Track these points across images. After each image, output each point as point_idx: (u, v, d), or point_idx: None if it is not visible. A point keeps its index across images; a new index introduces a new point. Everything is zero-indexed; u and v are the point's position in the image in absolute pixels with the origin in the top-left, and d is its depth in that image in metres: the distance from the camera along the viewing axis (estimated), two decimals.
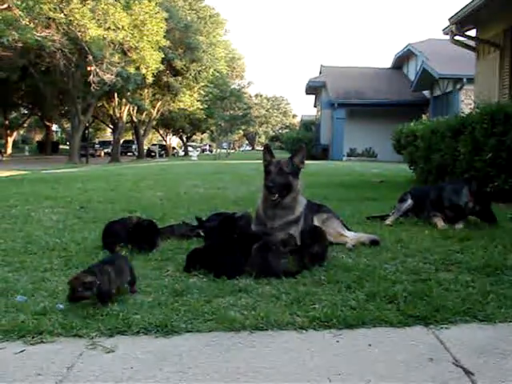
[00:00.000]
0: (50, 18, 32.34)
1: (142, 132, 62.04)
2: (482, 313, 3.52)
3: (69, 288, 3.57)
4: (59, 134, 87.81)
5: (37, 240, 6.02)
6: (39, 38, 31.01)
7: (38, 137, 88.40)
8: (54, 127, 77.65)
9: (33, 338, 3.18)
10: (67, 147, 55.07)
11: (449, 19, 15.08)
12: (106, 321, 3.38)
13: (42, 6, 30.53)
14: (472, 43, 16.55)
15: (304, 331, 3.29)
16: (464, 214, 6.88)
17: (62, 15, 32.75)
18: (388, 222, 7.28)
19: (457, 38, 15.64)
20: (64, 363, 2.87)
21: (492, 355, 2.93)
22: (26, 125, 79.07)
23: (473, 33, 15.97)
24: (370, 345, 3.09)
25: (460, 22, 14.80)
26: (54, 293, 3.98)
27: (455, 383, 2.63)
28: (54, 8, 32.06)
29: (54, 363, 2.87)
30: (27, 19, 29.76)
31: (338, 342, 3.15)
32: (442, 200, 7.09)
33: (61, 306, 3.65)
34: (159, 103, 56.48)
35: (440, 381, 2.66)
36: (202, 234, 5.88)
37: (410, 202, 7.59)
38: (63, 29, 33.49)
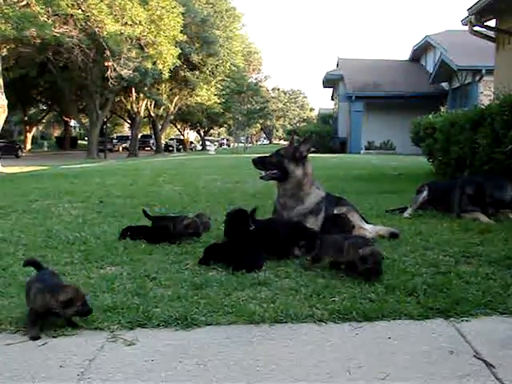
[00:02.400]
0: (67, 14, 32.45)
1: (159, 127, 62.14)
2: (502, 305, 3.50)
3: None
4: (78, 130, 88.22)
5: (57, 234, 6.07)
6: (57, 34, 31.14)
7: (57, 132, 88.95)
8: (73, 123, 77.96)
9: (55, 330, 3.20)
10: (85, 142, 55.42)
11: (468, 10, 14.93)
12: (127, 314, 3.40)
13: (60, 1, 30.63)
14: (491, 33, 16.35)
15: (323, 324, 3.29)
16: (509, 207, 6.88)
17: (79, 11, 32.86)
18: (406, 214, 7.26)
19: (476, 28, 15.46)
20: (85, 356, 2.89)
21: None
22: (44, 121, 79.50)
23: (492, 23, 15.79)
24: (389, 337, 3.07)
25: (479, 13, 14.65)
26: None
27: (476, 376, 2.61)
28: (72, 4, 32.18)
29: (76, 355, 2.89)
30: (45, 16, 29.88)
31: (357, 334, 3.14)
32: (484, 195, 6.99)
33: None
34: (176, 98, 56.50)
35: (461, 373, 2.64)
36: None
37: (425, 193, 7.57)
38: (81, 25, 33.58)
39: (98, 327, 3.25)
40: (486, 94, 26.38)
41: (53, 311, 3.18)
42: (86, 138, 52.35)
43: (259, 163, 5.72)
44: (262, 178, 5.71)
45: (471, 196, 7.11)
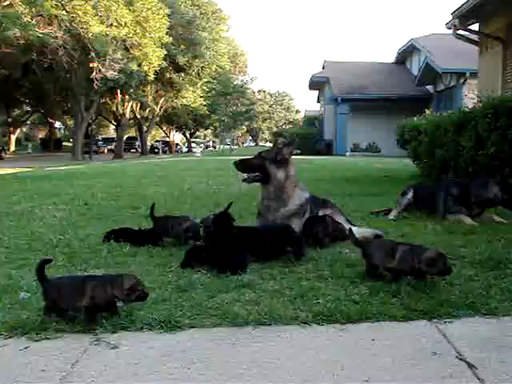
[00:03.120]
0: (52, 15, 32.26)
1: (145, 128, 61.98)
2: (485, 307, 3.52)
3: None
4: (62, 131, 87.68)
5: (40, 237, 6.04)
6: (41, 35, 30.97)
7: (41, 134, 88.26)
8: (57, 124, 77.58)
9: (37, 334, 3.17)
10: (70, 144, 55.02)
11: (452, 13, 15.05)
12: (110, 317, 3.38)
13: (44, 2, 30.45)
14: (475, 37, 16.53)
15: (308, 326, 3.29)
16: (495, 205, 6.94)
17: (64, 12, 32.69)
18: (391, 216, 7.29)
19: (460, 32, 15.61)
20: (68, 359, 2.87)
21: (495, 349, 2.93)
22: (28, 122, 78.95)
23: (476, 27, 15.96)
24: (373, 339, 3.08)
25: (463, 16, 14.78)
26: None
27: (458, 377, 2.63)
28: (56, 5, 32.00)
29: (58, 359, 2.87)
30: (29, 16, 29.71)
31: (341, 336, 3.14)
32: (469, 196, 7.03)
33: None
34: (162, 99, 56.39)
35: (443, 374, 2.65)
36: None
37: (410, 195, 7.61)
38: (65, 25, 33.38)
39: (81, 330, 3.23)
40: (470, 97, 26.54)
41: (116, 301, 3.37)
42: (71, 140, 51.96)
43: (241, 166, 5.72)
44: (244, 180, 5.72)
45: (456, 197, 7.14)
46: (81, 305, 3.31)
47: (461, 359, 2.81)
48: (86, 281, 3.42)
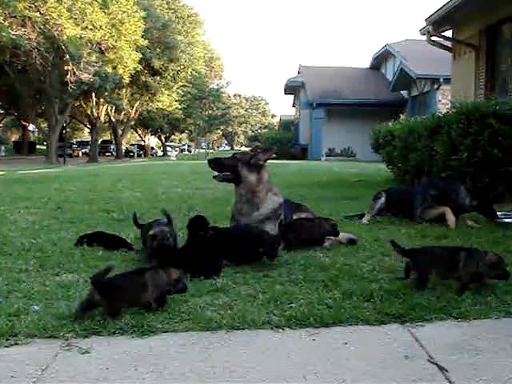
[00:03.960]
0: (25, 17, 31.98)
1: (120, 132, 61.65)
2: (456, 310, 3.56)
3: None
4: (36, 134, 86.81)
5: (12, 241, 5.95)
6: (14, 37, 30.67)
7: (15, 137, 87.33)
8: (31, 127, 76.76)
9: (7, 340, 3.13)
10: (44, 147, 54.53)
11: (425, 20, 15.20)
12: (82, 321, 3.34)
13: (17, 4, 30.16)
14: (448, 44, 16.71)
15: (280, 330, 3.29)
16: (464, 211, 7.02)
17: (38, 14, 32.41)
18: (364, 220, 7.33)
19: (433, 38, 15.77)
20: (38, 365, 2.83)
21: (465, 352, 2.96)
22: (1, 125, 78.06)
23: (449, 33, 16.12)
24: (346, 343, 3.09)
25: (436, 23, 14.93)
26: (29, 294, 3.93)
27: (429, 380, 2.66)
28: (30, 6, 31.72)
29: (29, 365, 2.83)
30: (1, 17, 29.41)
31: (314, 340, 3.15)
32: (447, 200, 7.11)
33: (36, 308, 3.61)
34: (137, 103, 56.17)
35: (415, 378, 2.67)
36: None
37: (383, 199, 7.64)
38: (39, 28, 33.13)
39: (52, 335, 3.19)
40: (443, 103, 26.80)
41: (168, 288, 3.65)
42: (45, 143, 51.51)
43: (214, 163, 5.78)
44: (214, 177, 5.78)
45: (435, 196, 7.22)
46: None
47: (432, 362, 2.83)
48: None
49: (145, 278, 3.59)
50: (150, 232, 4.87)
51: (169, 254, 4.59)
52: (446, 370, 2.73)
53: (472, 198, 6.99)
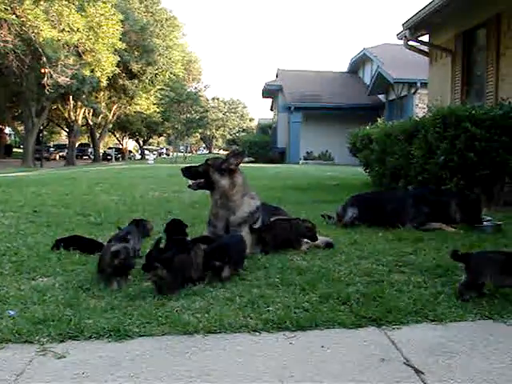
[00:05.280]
0: (1, 19, 31.66)
1: (97, 135, 61.31)
2: (432, 313, 3.58)
3: None
4: (12, 137, 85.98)
5: None
6: None
7: None
8: (7, 130, 75.96)
9: None
10: (21, 150, 53.98)
11: (402, 24, 15.30)
12: (58, 326, 3.32)
13: None
14: (425, 48, 16.85)
15: (257, 334, 3.29)
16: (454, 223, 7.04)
17: (13, 16, 32.12)
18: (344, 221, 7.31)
19: (410, 43, 15.87)
20: (13, 370, 2.80)
21: (441, 354, 2.98)
22: None
23: (426, 38, 16.25)
24: (322, 346, 3.10)
25: (413, 28, 15.03)
26: (4, 299, 3.89)
27: (405, 382, 2.67)
28: (5, 8, 31.42)
29: (3, 370, 2.80)
30: None
31: (291, 343, 3.16)
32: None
33: (11, 312, 3.57)
34: (115, 106, 55.90)
35: (391, 380, 2.69)
36: None
37: (355, 211, 7.42)
38: (16, 30, 32.84)
39: (27, 340, 3.16)
40: (420, 107, 27.08)
41: None
42: (22, 146, 51.04)
43: (187, 172, 5.75)
44: (189, 186, 5.74)
45: (427, 213, 7.15)
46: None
47: (408, 365, 2.85)
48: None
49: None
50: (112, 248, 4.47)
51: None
52: (422, 373, 2.75)
53: (462, 213, 7.04)
